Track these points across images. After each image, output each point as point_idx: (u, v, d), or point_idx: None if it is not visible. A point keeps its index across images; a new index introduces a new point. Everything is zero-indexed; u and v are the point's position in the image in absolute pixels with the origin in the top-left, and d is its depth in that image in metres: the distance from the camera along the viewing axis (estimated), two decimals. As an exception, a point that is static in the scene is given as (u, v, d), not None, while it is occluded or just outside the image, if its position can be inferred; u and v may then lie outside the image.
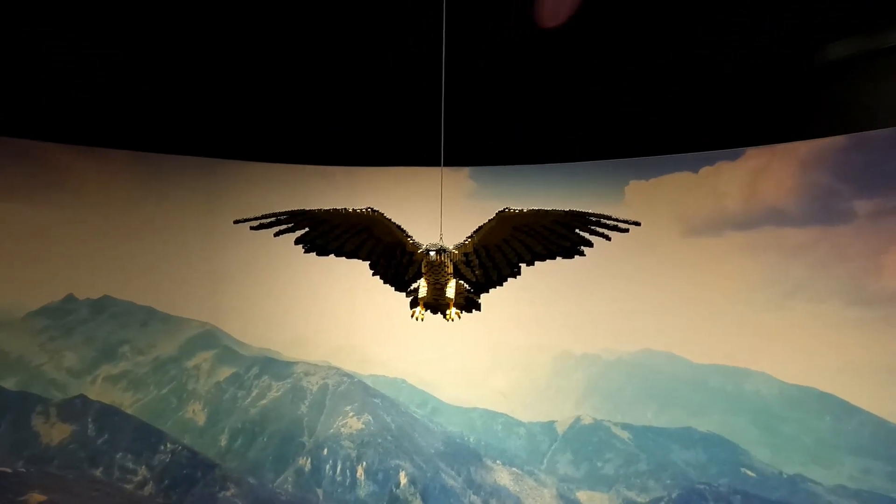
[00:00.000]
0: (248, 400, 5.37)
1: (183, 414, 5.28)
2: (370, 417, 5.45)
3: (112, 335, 5.35)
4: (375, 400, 5.48)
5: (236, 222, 2.99)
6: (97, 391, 5.23)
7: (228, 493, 5.23)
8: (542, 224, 3.04)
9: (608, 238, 2.95)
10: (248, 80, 5.53)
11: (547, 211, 2.95)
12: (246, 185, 5.67)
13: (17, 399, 5.13)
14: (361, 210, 3.03)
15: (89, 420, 5.21)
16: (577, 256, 3.10)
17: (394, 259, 3.34)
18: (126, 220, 5.50)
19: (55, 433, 5.13)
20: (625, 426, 5.52)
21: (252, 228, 3.00)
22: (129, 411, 5.24)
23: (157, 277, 5.46)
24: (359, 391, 5.50)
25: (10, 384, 5.11)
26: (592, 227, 2.95)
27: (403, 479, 5.36)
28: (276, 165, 5.82)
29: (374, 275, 3.48)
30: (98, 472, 5.11)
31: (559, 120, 6.09)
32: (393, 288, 3.50)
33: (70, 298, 5.31)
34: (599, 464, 5.47)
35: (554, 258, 3.17)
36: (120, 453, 5.18)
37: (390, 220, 3.09)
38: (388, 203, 3.25)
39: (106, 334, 5.35)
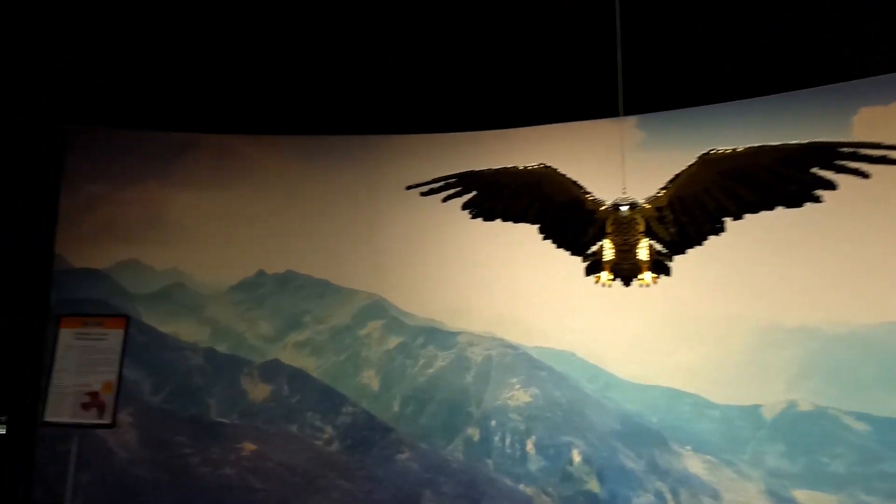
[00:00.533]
0: (416, 368, 3.83)
1: (359, 379, 3.92)
2: (537, 391, 3.57)
3: (296, 306, 4.16)
4: (542, 373, 3.57)
5: (408, 188, 2.35)
6: (288, 356, 4.11)
7: (404, 457, 3.75)
8: (760, 165, 1.85)
9: (865, 175, 1.73)
10: (398, 53, 3.72)
11: (773, 147, 1.76)
12: (405, 158, 4.02)
13: (229, 361, 4.35)
14: (533, 167, 2.20)
15: (284, 382, 4.09)
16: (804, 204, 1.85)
17: (569, 220, 2.35)
18: (302, 201, 4.28)
19: (258, 392, 4.07)
20: (861, 416, 3.03)
21: (422, 194, 2.32)
22: (314, 375, 4.03)
23: (330, 252, 4.14)
24: (524, 363, 3.62)
25: (222, 348, 4.35)
26: (841, 163, 1.71)
27: (577, 457, 3.42)
28: (431, 136, 4.01)
29: (544, 239, 2.50)
30: (294, 429, 3.97)
31: (748, 41, 3.42)
32: (568, 252, 2.48)
33: (261, 273, 4.20)
34: (825, 459, 3.05)
35: (771, 208, 1.95)
36: (309, 412, 3.99)
37: (565, 175, 2.21)
38: (552, 163, 2.25)
39: (291, 305, 4.18)
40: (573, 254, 2.48)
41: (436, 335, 4.10)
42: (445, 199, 2.39)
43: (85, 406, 3.63)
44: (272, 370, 4.34)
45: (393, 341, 4.18)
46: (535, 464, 3.77)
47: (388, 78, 4.03)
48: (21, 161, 4.29)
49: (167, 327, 4.40)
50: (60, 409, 3.66)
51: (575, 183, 2.24)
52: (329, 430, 4.18)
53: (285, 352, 4.33)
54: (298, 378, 4.29)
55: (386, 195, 4.25)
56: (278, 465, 4.22)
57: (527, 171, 2.25)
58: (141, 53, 3.97)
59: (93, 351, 3.70)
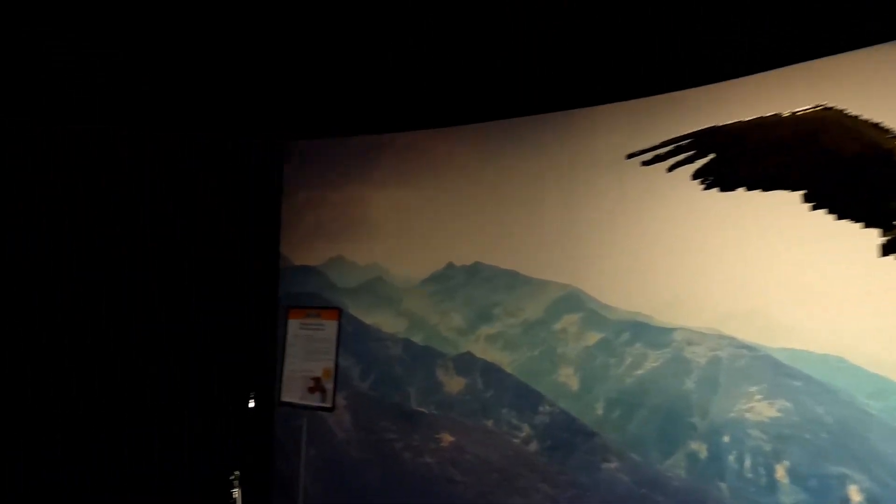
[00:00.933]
0: (622, 369, 3.05)
1: (556, 377, 3.30)
2: (788, 404, 2.53)
3: (485, 298, 3.73)
4: (795, 382, 2.51)
5: (630, 156, 1.95)
6: (480, 349, 3.69)
7: (611, 466, 3.02)
8: None
9: None
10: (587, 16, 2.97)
11: None
12: (605, 129, 3.21)
13: (425, 352, 4.12)
14: (806, 112, 1.53)
15: (478, 375, 3.71)
16: None
17: (861, 179, 1.59)
18: (487, 189, 3.85)
19: (454, 384, 3.73)
20: None
21: (644, 163, 1.99)
22: (507, 370, 3.54)
23: (519, 241, 3.61)
24: (766, 369, 2.60)
25: (418, 339, 4.16)
26: None
27: (856, 495, 2.37)
28: (637, 101, 3.10)
29: (814, 208, 1.84)
30: (489, 423, 3.56)
31: None
32: (860, 223, 1.75)
33: (450, 266, 3.87)
34: None
35: None
36: (505, 409, 3.51)
37: (858, 118, 1.40)
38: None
39: (481, 297, 3.76)
40: (868, 224, 1.76)
41: (644, 331, 3.23)
42: (672, 168, 2.00)
43: (310, 389, 3.75)
44: (466, 363, 3.91)
45: (592, 337, 3.42)
46: (790, 496, 2.70)
47: (579, 41, 3.24)
48: (249, 174, 4.50)
49: (370, 318, 4.27)
50: (292, 391, 3.77)
51: (877, 126, 1.52)
52: (526, 428, 3.60)
53: (477, 345, 3.86)
54: (492, 372, 3.79)
55: (581, 175, 3.50)
56: (476, 459, 3.77)
57: (795, 119, 1.64)
58: (339, 64, 3.79)
59: (313, 340, 3.76)
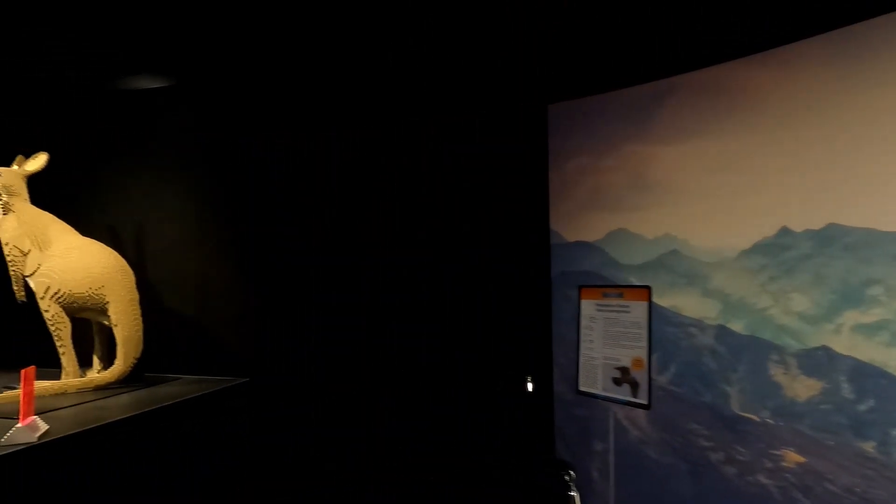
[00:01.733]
0: None
1: None
2: None
3: (851, 274, 2.65)
4: None
5: None
6: (844, 343, 2.68)
7: None
8: None
9: None
10: None
11: None
12: None
13: (750, 344, 3.29)
14: None
15: (842, 379, 2.70)
16: None
17: None
18: (837, 121, 2.63)
19: (798, 387, 2.85)
20: None
21: None
22: (899, 375, 2.42)
23: None
24: None
25: (738, 327, 3.33)
26: None
27: None
28: None
29: None
30: (868, 447, 2.59)
31: None
32: None
33: (784, 232, 2.91)
34: None
35: None
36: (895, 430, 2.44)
37: None
38: None
39: (843, 273, 2.70)
40: None
41: None
42: None
43: (615, 381, 3.31)
44: (819, 361, 2.92)
45: None
46: None
47: None
48: (511, 150, 4.28)
49: (665, 300, 3.59)
50: (592, 380, 3.42)
51: None
52: (943, 463, 2.45)
53: (839, 337, 2.82)
54: (868, 376, 2.72)
55: None
56: (847, 493, 2.79)
57: None
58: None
59: (616, 323, 3.34)
